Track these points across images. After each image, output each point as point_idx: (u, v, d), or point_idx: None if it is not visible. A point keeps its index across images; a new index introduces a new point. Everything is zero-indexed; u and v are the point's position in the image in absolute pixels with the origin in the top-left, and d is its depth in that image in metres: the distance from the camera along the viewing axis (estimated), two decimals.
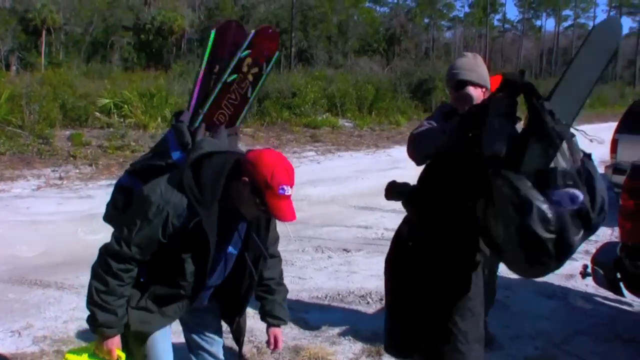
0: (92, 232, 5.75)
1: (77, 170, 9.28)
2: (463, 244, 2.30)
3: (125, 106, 12.88)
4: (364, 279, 4.60)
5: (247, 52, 2.27)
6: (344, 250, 5.45)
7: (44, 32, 29.01)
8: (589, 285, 4.28)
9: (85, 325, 3.51)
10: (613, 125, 7.67)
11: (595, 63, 2.16)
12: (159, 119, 12.78)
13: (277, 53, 2.38)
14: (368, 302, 4.14)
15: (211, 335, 2.18)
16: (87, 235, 5.75)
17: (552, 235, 1.84)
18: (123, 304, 1.85)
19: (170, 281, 1.91)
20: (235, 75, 2.27)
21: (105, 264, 1.80)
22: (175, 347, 2.09)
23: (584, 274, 3.62)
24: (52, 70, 16.55)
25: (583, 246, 5.44)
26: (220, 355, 2.20)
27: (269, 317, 2.18)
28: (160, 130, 12.19)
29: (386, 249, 2.62)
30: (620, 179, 3.28)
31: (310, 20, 37.22)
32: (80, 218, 6.36)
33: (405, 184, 2.47)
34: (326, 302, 4.14)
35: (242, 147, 2.42)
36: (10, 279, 4.48)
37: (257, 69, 2.31)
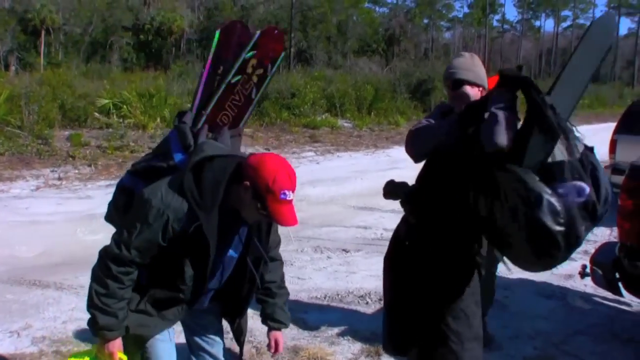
0: (91, 233, 5.75)
1: (76, 171, 9.27)
2: (459, 244, 2.30)
3: (125, 106, 12.88)
4: (363, 279, 4.60)
5: (251, 53, 2.24)
6: (343, 250, 5.45)
7: (43, 33, 28.98)
8: (587, 286, 4.29)
9: (84, 326, 3.51)
10: (612, 125, 7.68)
11: (592, 58, 2.22)
12: (158, 120, 12.78)
13: (282, 54, 2.36)
14: (367, 303, 4.14)
15: (212, 336, 2.19)
16: (86, 235, 5.75)
17: (562, 228, 1.86)
18: (123, 306, 1.84)
19: (169, 285, 1.90)
20: (239, 77, 2.25)
21: (105, 267, 1.79)
22: (176, 348, 2.09)
23: (582, 274, 3.62)
24: (51, 71, 16.56)
25: (582, 246, 5.47)
26: (220, 356, 2.20)
27: (270, 321, 2.18)
28: (160, 131, 12.19)
29: (385, 250, 2.62)
30: (619, 179, 3.28)
31: (309, 21, 37.23)
32: (79, 218, 6.35)
33: (404, 183, 2.49)
34: (325, 303, 4.14)
35: (243, 147, 2.41)
36: (9, 280, 4.48)
37: (262, 70, 2.29)
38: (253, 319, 2.81)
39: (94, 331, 1.85)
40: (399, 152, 9.72)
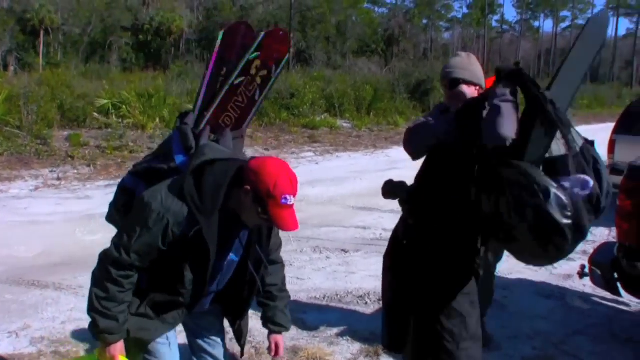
0: (90, 233, 5.75)
1: (75, 171, 9.26)
2: (457, 244, 2.30)
3: (124, 107, 12.88)
4: (362, 279, 4.60)
5: (255, 54, 2.21)
6: (342, 250, 5.45)
7: (42, 33, 28.97)
8: (586, 286, 4.29)
9: (83, 326, 3.52)
10: (610, 126, 7.69)
11: (587, 54, 2.27)
12: (157, 120, 12.78)
13: (287, 56, 2.33)
14: (366, 303, 4.14)
15: (213, 337, 2.19)
16: (85, 235, 5.75)
17: (570, 221, 1.88)
18: (124, 310, 1.84)
19: (169, 288, 1.90)
20: (242, 78, 2.22)
21: (105, 271, 1.79)
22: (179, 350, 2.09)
23: (581, 274, 3.62)
24: (50, 71, 16.57)
25: (581, 246, 5.47)
26: (221, 357, 2.20)
27: (271, 324, 2.17)
28: (159, 131, 12.19)
29: (384, 250, 2.63)
30: (617, 179, 3.28)
31: (308, 21, 37.24)
32: (78, 219, 6.35)
33: (402, 183, 2.49)
34: (324, 303, 4.14)
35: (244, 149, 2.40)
36: (8, 280, 4.47)
37: (266, 71, 2.26)
38: (252, 319, 2.81)
39: (94, 335, 1.84)
40: (398, 153, 9.73)
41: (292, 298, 2.26)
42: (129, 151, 10.58)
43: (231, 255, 1.96)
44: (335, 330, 3.64)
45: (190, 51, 34.20)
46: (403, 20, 45.59)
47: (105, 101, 12.95)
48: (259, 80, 2.27)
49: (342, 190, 8.47)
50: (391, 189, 2.52)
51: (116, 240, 1.81)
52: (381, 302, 3.97)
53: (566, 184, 1.94)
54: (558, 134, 2.01)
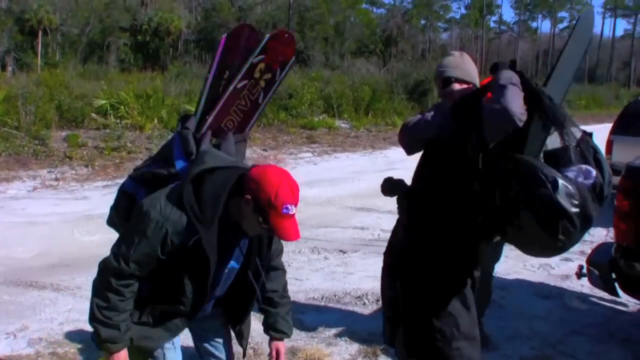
0: (88, 234, 5.75)
1: (73, 172, 9.25)
2: (450, 243, 2.30)
3: (122, 107, 12.87)
4: (361, 280, 4.60)
5: (260, 57, 2.18)
6: (341, 251, 5.45)
7: (40, 33, 28.92)
8: (584, 286, 4.30)
9: (81, 327, 3.52)
10: (608, 126, 7.71)
11: (577, 52, 2.36)
12: (156, 120, 12.77)
13: (292, 59, 2.29)
14: (364, 303, 4.14)
15: (219, 340, 2.18)
16: (83, 236, 5.74)
17: (577, 209, 1.91)
18: (126, 318, 1.83)
19: (170, 297, 1.89)
20: (245, 81, 2.19)
21: (106, 281, 1.78)
22: (183, 353, 2.09)
23: (579, 275, 3.63)
24: (49, 71, 16.53)
25: (579, 247, 5.48)
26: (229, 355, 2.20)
27: (272, 331, 2.16)
28: (157, 132, 12.19)
29: (382, 250, 2.63)
30: (615, 179, 3.28)
31: (307, 22, 37.23)
32: (76, 219, 6.34)
33: (401, 180, 2.51)
34: (322, 303, 4.14)
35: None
36: (6, 281, 4.47)
37: (270, 74, 2.23)
38: (252, 320, 2.81)
39: (97, 344, 1.83)
40: (396, 153, 9.74)
41: (291, 298, 2.26)
42: (127, 152, 10.57)
43: (232, 263, 1.95)
44: (333, 331, 3.64)
45: (188, 52, 34.16)
46: (401, 21, 45.60)
47: (104, 102, 12.94)
48: (262, 83, 2.24)
49: (340, 190, 8.47)
50: (390, 187, 2.53)
51: (115, 250, 1.80)
52: (379, 303, 3.98)
53: (570, 174, 1.98)
54: (555, 127, 2.05)
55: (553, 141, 2.08)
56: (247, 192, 1.74)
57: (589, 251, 3.74)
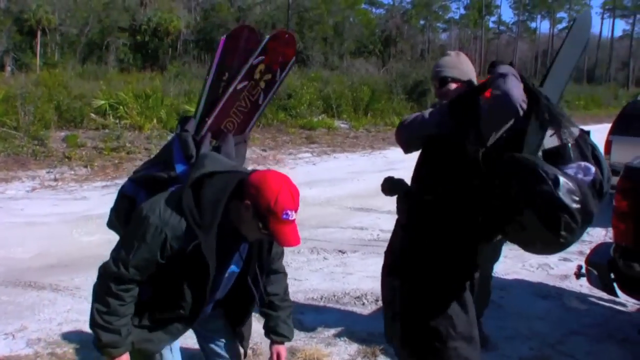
0: (87, 234, 5.75)
1: (72, 172, 9.25)
2: (449, 242, 2.30)
3: (121, 107, 12.86)
4: (360, 280, 4.60)
5: (260, 58, 2.17)
6: (340, 251, 5.45)
7: (39, 33, 28.86)
8: (583, 286, 4.30)
9: (80, 327, 3.51)
10: (607, 126, 7.72)
11: (574, 52, 2.39)
12: (155, 121, 12.76)
13: (293, 59, 2.27)
14: (363, 304, 4.14)
15: (224, 340, 2.19)
16: (82, 236, 5.74)
17: (579, 206, 1.92)
18: (126, 322, 1.82)
19: (170, 301, 1.89)
20: (245, 82, 2.18)
21: (105, 286, 1.78)
22: (186, 354, 2.09)
23: (578, 275, 3.63)
24: (47, 71, 16.51)
25: (577, 247, 5.48)
26: (235, 358, 2.20)
27: (273, 334, 2.16)
28: (156, 132, 12.18)
29: (382, 250, 2.63)
30: (614, 180, 3.29)
31: (306, 22, 37.20)
32: (75, 219, 6.34)
33: (401, 180, 2.51)
34: (322, 304, 4.14)
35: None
36: (4, 281, 4.46)
37: (270, 75, 2.21)
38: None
39: (99, 349, 1.83)
40: (396, 153, 9.74)
41: (291, 301, 2.26)
42: (126, 152, 10.57)
43: (232, 267, 1.95)
44: (332, 331, 3.64)
45: (187, 52, 34.11)
46: (400, 21, 45.58)
47: (103, 102, 12.92)
48: (262, 84, 2.23)
49: (339, 191, 8.48)
50: (391, 186, 2.53)
51: (115, 255, 1.80)
52: (378, 303, 3.99)
53: (570, 171, 1.99)
54: (551, 127, 2.07)
55: (549, 141, 2.09)
56: (246, 198, 1.73)
57: (587, 251, 3.75)
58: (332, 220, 6.71)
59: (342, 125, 16.79)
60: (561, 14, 63.99)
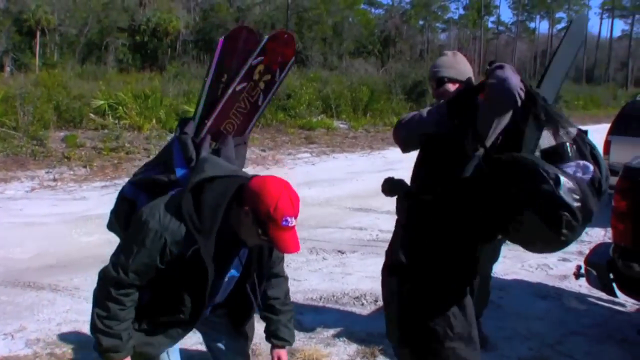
0: (86, 234, 5.74)
1: (72, 172, 9.24)
2: (449, 242, 2.30)
3: (120, 108, 12.86)
4: (359, 280, 4.60)
5: (259, 59, 2.16)
6: (339, 251, 5.45)
7: (38, 33, 28.84)
8: (582, 286, 4.30)
9: (79, 328, 3.51)
10: (606, 127, 7.72)
11: (570, 53, 2.43)
12: (154, 121, 12.76)
13: (292, 59, 2.26)
14: (363, 304, 4.14)
15: (230, 339, 2.19)
16: (81, 237, 5.74)
17: (579, 204, 1.93)
18: (127, 327, 1.83)
19: (169, 306, 1.89)
20: (245, 84, 2.17)
21: (105, 290, 1.78)
22: (188, 355, 2.09)
23: (577, 275, 3.63)
24: (47, 72, 16.50)
25: (576, 247, 5.48)
26: (245, 352, 2.21)
27: (274, 338, 2.15)
28: (155, 132, 12.18)
29: (381, 251, 2.63)
30: (613, 180, 3.29)
31: (305, 22, 37.20)
32: (74, 220, 6.34)
33: (401, 180, 2.51)
34: (321, 304, 4.14)
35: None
36: (3, 281, 4.46)
37: (270, 76, 2.20)
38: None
39: (100, 354, 1.83)
40: (395, 153, 9.75)
41: (292, 305, 2.25)
42: (125, 152, 10.57)
43: (232, 271, 1.95)
44: (331, 332, 3.64)
45: (186, 52, 34.09)
46: (399, 21, 45.59)
47: (102, 102, 12.93)
48: (262, 85, 2.22)
49: (338, 191, 8.48)
50: (391, 187, 2.53)
51: (114, 260, 1.80)
52: (378, 303, 3.99)
53: (569, 170, 2.00)
54: (548, 127, 2.09)
55: (547, 140, 2.11)
56: (246, 204, 1.72)
57: (587, 251, 3.75)
58: (331, 220, 6.71)
59: (341, 126, 16.80)
60: (560, 14, 64.05)
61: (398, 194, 2.49)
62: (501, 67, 2.11)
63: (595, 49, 59.90)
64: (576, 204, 1.93)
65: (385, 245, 2.58)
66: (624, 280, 3.26)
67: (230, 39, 2.21)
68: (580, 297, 4.33)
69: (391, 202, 2.60)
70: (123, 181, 8.53)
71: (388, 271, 2.52)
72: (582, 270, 3.53)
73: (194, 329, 2.08)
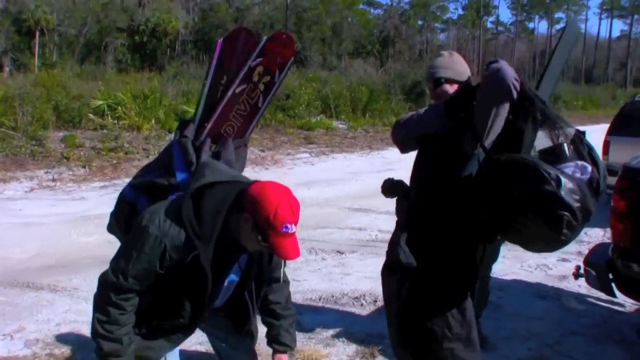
0: (86, 234, 5.74)
1: (71, 172, 9.24)
2: (449, 242, 2.30)
3: (119, 108, 12.86)
4: (358, 280, 4.59)
5: (258, 60, 2.15)
6: (338, 252, 5.45)
7: (37, 33, 28.81)
8: (581, 286, 4.30)
9: (78, 328, 3.51)
10: (605, 127, 7.73)
11: (564, 55, 2.55)
12: (153, 121, 12.76)
13: (291, 60, 2.25)
14: (362, 304, 4.13)
15: (235, 339, 2.19)
16: (80, 237, 5.73)
17: (579, 204, 1.95)
18: (128, 331, 1.82)
19: (169, 311, 1.89)
20: (244, 86, 2.16)
21: (106, 295, 1.78)
22: (186, 354, 2.09)
23: (576, 275, 3.63)
24: (46, 72, 16.48)
25: (576, 247, 5.47)
26: (251, 349, 2.23)
27: (275, 343, 2.15)
28: (154, 132, 12.17)
29: (380, 251, 2.63)
30: (612, 180, 3.29)
31: (304, 22, 37.20)
32: (73, 220, 6.34)
33: (401, 181, 2.51)
34: (320, 304, 4.14)
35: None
36: (2, 282, 4.45)
37: (269, 77, 2.20)
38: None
39: (101, 359, 1.83)
40: (394, 154, 9.75)
41: (294, 310, 2.25)
42: (124, 152, 10.56)
43: (231, 276, 1.95)
44: (331, 332, 3.64)
45: (185, 52, 34.07)
46: (398, 22, 45.60)
47: (101, 102, 12.93)
48: (261, 86, 2.21)
49: (337, 191, 8.48)
50: (390, 188, 2.54)
51: (114, 265, 1.80)
52: (377, 304, 3.99)
53: (567, 170, 2.02)
54: (544, 128, 2.12)
55: (544, 141, 2.12)
56: (246, 210, 1.72)
57: (586, 252, 3.75)
58: (331, 220, 6.71)
59: (341, 126, 16.80)
60: (559, 15, 64.13)
61: (398, 195, 2.49)
62: (496, 62, 2.16)
63: (594, 49, 59.97)
64: (577, 205, 1.94)
65: (385, 246, 2.58)
66: (623, 281, 3.26)
67: (229, 40, 2.20)
68: (580, 297, 4.33)
69: (390, 202, 2.60)
70: (122, 181, 8.53)
71: (388, 271, 2.52)
72: (582, 271, 3.53)
73: (197, 329, 2.08)
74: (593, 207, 2.01)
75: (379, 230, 6.06)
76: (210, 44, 31.11)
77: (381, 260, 2.59)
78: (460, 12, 63.08)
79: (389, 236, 2.57)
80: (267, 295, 2.08)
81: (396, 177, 2.66)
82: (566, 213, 1.93)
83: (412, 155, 2.51)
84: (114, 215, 2.11)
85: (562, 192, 1.92)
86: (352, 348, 3.42)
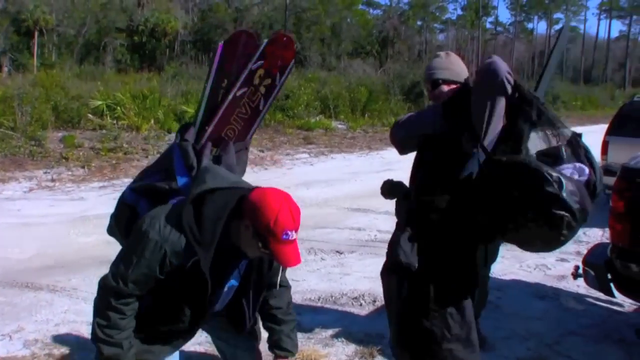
0: (84, 235, 5.74)
1: (70, 172, 9.23)
2: (448, 243, 2.30)
3: (118, 108, 12.85)
4: (357, 280, 4.59)
5: (259, 63, 2.14)
6: (337, 252, 5.45)
7: (36, 34, 28.78)
8: (580, 287, 4.31)
9: (77, 329, 3.51)
10: (604, 127, 7.74)
11: (557, 58, 2.66)
12: (152, 121, 12.75)
13: (292, 62, 2.24)
14: (361, 304, 4.13)
15: (239, 339, 2.20)
16: (79, 237, 5.73)
17: (578, 205, 1.98)
18: (128, 336, 1.83)
19: (169, 315, 1.89)
20: (245, 89, 2.15)
21: (105, 300, 1.79)
22: (186, 354, 2.09)
23: (575, 275, 3.64)
24: (45, 72, 16.47)
25: (574, 247, 5.47)
26: (255, 348, 2.22)
27: (276, 349, 2.15)
28: (153, 132, 12.17)
29: (379, 251, 2.63)
30: (610, 180, 3.31)
31: (303, 23, 37.20)
32: (72, 220, 6.33)
33: (401, 182, 2.52)
34: (319, 304, 4.14)
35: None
36: (1, 282, 4.45)
37: (270, 80, 2.19)
38: None
39: None
40: (393, 154, 9.74)
41: (295, 315, 2.25)
42: (123, 152, 10.55)
43: (231, 281, 1.95)
44: (330, 332, 3.64)
45: (185, 52, 34.06)
46: (397, 22, 45.61)
47: (100, 102, 12.91)
48: (262, 89, 2.20)
49: (336, 191, 8.48)
50: (390, 189, 2.54)
51: (114, 269, 1.80)
52: (376, 304, 3.99)
53: (566, 172, 2.04)
54: (540, 130, 2.14)
55: (541, 142, 2.13)
56: (246, 217, 1.72)
57: (584, 252, 3.75)
58: (330, 220, 6.71)
59: (340, 126, 16.80)
60: (558, 15, 64.16)
61: (397, 197, 2.50)
62: (490, 56, 2.20)
63: (593, 50, 60.03)
64: (576, 206, 1.97)
65: (384, 246, 2.58)
66: (621, 281, 3.27)
67: (230, 44, 2.19)
68: (578, 298, 4.34)
69: (389, 203, 2.60)
70: (121, 181, 8.53)
71: (388, 272, 2.53)
72: (580, 271, 3.54)
73: (200, 329, 2.08)
74: (589, 207, 2.03)
75: (378, 231, 6.06)
76: (210, 44, 31.13)
77: (380, 260, 2.60)
78: (459, 12, 63.12)
79: (388, 236, 2.57)
80: (268, 300, 2.08)
81: (395, 178, 2.66)
82: (567, 214, 1.95)
83: (412, 155, 2.52)
84: (114, 217, 2.11)
85: (564, 194, 1.94)
86: (351, 348, 3.42)
